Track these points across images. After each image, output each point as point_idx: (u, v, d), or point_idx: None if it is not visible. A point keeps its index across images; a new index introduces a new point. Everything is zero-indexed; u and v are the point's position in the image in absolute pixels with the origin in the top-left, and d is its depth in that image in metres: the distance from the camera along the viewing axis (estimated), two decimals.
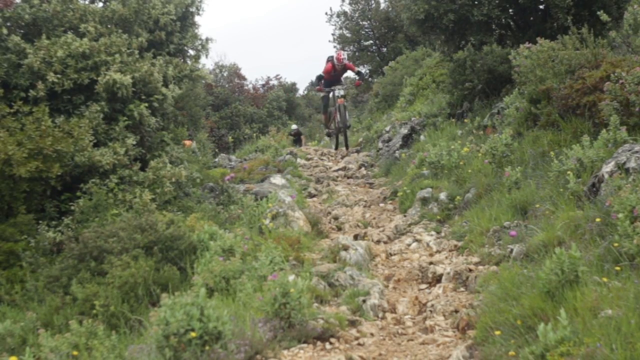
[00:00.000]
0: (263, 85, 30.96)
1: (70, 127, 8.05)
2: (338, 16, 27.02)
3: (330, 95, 13.60)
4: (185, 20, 10.54)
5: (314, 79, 15.56)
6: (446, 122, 11.85)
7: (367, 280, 5.67)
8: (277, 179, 10.47)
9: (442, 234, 7.26)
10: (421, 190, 8.35)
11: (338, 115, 13.19)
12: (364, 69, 27.88)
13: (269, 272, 5.33)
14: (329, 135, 15.15)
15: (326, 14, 30.50)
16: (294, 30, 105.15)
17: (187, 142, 12.43)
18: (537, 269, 4.35)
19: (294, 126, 25.40)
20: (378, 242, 7.33)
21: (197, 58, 10.90)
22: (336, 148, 14.66)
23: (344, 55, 13.85)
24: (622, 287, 3.67)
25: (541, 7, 11.10)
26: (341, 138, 14.03)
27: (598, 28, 9.01)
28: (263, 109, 27.99)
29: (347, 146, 14.20)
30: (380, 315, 5.13)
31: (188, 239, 6.19)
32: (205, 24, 36.65)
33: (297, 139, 23.23)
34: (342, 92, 13.23)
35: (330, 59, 13.64)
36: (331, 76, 13.65)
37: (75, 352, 4.39)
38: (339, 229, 8.11)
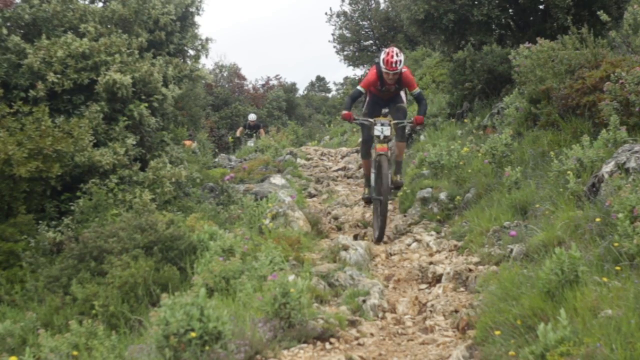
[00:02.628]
0: (263, 85, 30.98)
1: (70, 127, 8.05)
2: (338, 16, 27.03)
3: (376, 128, 7.28)
4: (185, 20, 10.56)
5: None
6: (446, 122, 11.86)
7: (367, 280, 5.67)
8: (277, 179, 10.47)
9: (442, 234, 7.26)
10: (421, 190, 8.35)
11: (372, 175, 7.48)
12: (362, 70, 27.17)
13: (269, 272, 5.33)
14: (367, 200, 8.22)
15: (326, 14, 30.50)
16: (300, 30, 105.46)
17: (188, 142, 12.46)
18: (537, 269, 4.35)
19: (252, 115, 20.33)
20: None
21: (197, 58, 10.93)
22: (379, 239, 7.27)
23: (399, 56, 7.31)
24: (622, 287, 3.67)
25: (541, 7, 11.11)
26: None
27: (598, 28, 9.02)
28: (263, 109, 27.99)
29: (381, 233, 7.15)
30: (380, 315, 5.13)
31: (188, 239, 6.19)
32: (212, 25, 36.69)
33: (254, 132, 19.49)
34: (386, 131, 7.16)
35: (376, 62, 7.63)
36: (378, 92, 7.70)
37: (75, 352, 4.39)
38: (339, 229, 8.11)
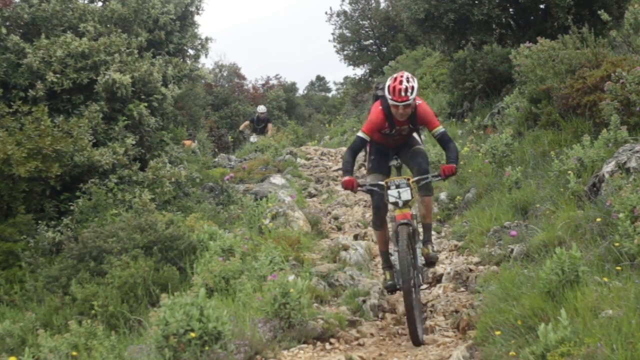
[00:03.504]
0: (263, 85, 30.95)
1: (70, 127, 8.04)
2: (338, 15, 27.00)
3: (390, 194, 5.00)
4: (185, 19, 10.57)
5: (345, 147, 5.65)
6: (446, 121, 11.84)
7: (367, 280, 5.66)
8: (277, 179, 10.46)
9: (443, 234, 7.25)
10: None
11: (397, 253, 4.87)
12: (362, 70, 27.10)
13: (268, 272, 5.32)
14: (391, 290, 5.28)
15: (326, 13, 30.48)
16: (300, 30, 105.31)
17: (187, 142, 12.44)
18: (537, 269, 4.34)
19: (261, 107, 18.61)
20: None
21: (196, 58, 10.95)
22: (415, 342, 4.64)
23: (410, 82, 4.99)
24: (622, 287, 3.66)
25: (542, 6, 11.10)
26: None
27: (599, 27, 9.00)
28: None
29: (413, 335, 4.50)
30: (380, 315, 5.13)
31: (188, 239, 6.19)
32: (212, 25, 36.55)
33: (262, 127, 17.87)
34: (404, 195, 4.97)
35: (380, 96, 5.38)
36: (385, 138, 5.46)
37: (74, 353, 4.38)
38: (339, 229, 8.10)
